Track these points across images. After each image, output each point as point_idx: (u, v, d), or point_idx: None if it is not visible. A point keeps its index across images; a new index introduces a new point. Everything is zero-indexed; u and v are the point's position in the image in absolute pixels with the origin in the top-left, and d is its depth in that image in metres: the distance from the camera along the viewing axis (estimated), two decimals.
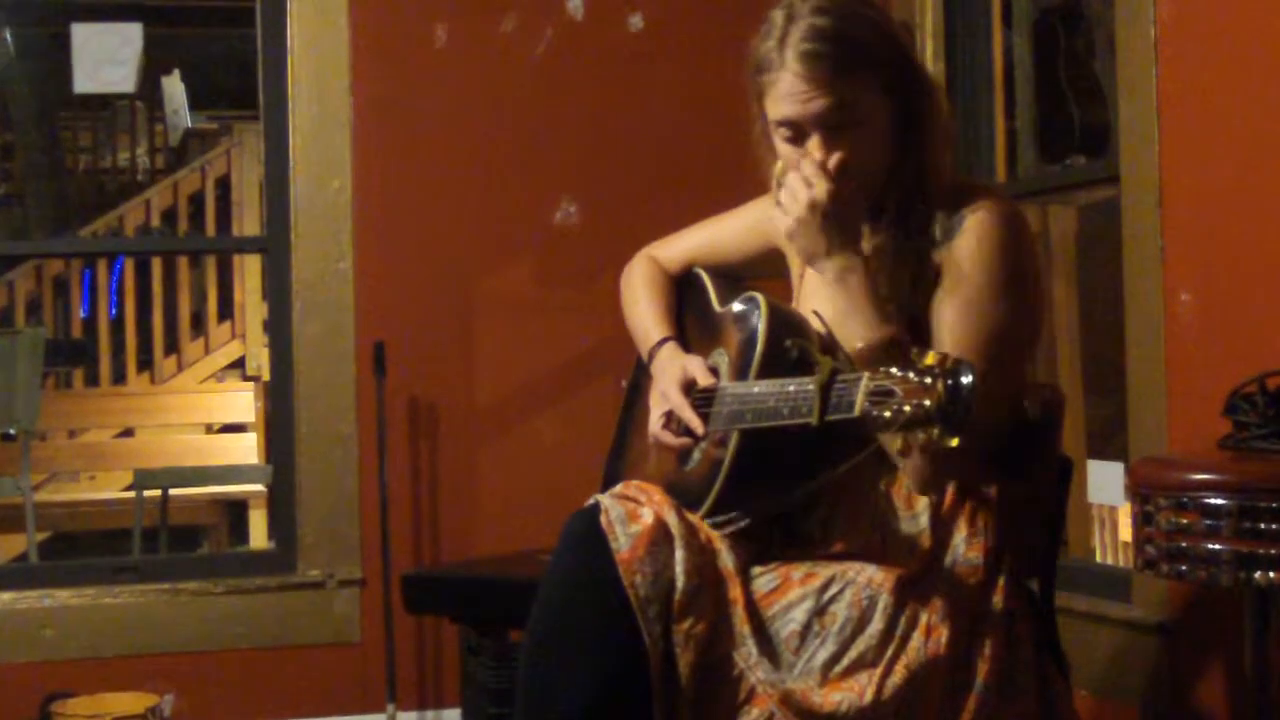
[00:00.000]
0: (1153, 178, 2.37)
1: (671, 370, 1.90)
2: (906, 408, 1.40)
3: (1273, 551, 1.70)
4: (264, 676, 3.16)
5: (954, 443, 1.39)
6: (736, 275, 2.02)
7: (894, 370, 1.43)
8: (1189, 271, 2.32)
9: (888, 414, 1.41)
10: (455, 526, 3.27)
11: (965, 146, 3.10)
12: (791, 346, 1.64)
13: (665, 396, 1.88)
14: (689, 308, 2.03)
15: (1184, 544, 1.77)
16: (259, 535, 5.88)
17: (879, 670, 1.65)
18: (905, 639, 1.66)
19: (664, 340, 1.98)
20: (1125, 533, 3.85)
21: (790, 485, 1.74)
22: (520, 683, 1.71)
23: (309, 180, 3.22)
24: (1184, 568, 1.77)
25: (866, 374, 1.47)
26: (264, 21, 3.27)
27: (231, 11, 6.56)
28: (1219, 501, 1.73)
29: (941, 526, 1.74)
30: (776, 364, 1.71)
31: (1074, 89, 3.34)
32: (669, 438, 1.87)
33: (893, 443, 1.52)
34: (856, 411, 1.46)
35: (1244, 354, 2.15)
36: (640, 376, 2.06)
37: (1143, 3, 2.37)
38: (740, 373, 1.79)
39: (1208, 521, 1.75)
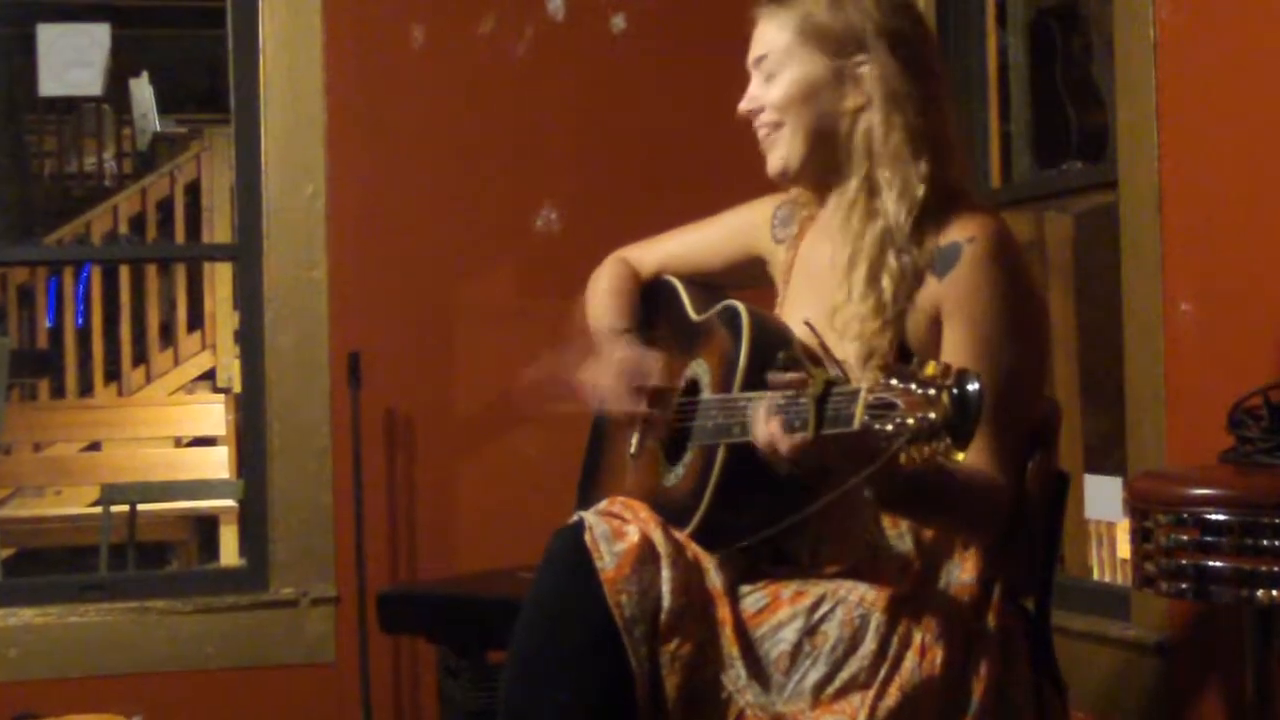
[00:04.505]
0: (1152, 183, 2.36)
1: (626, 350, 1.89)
2: (910, 420, 1.36)
3: (1275, 569, 1.72)
4: (235, 697, 3.13)
5: (960, 456, 1.36)
6: (713, 284, 1.99)
7: (894, 382, 1.39)
8: (1189, 280, 2.32)
9: (890, 427, 1.37)
10: (433, 543, 3.25)
11: None
12: (780, 357, 1.60)
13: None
14: (662, 317, 1.99)
15: (1184, 561, 1.79)
16: (230, 552, 5.84)
17: (872, 692, 1.62)
18: (899, 659, 1.64)
19: (623, 332, 1.95)
20: (1124, 549, 3.86)
21: (788, 505, 1.68)
22: (502, 705, 1.68)
23: (281, 186, 3.20)
24: (1184, 585, 1.80)
25: (864, 386, 1.43)
26: (235, 22, 3.26)
27: (201, 12, 6.50)
28: (1220, 517, 1.75)
29: (933, 544, 1.72)
30: (763, 376, 1.66)
31: (1071, 92, 3.35)
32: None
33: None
34: (856, 425, 1.43)
35: (1246, 365, 2.14)
36: None
37: (1142, 3, 2.37)
38: (723, 385, 1.75)
39: (1208, 538, 1.77)
